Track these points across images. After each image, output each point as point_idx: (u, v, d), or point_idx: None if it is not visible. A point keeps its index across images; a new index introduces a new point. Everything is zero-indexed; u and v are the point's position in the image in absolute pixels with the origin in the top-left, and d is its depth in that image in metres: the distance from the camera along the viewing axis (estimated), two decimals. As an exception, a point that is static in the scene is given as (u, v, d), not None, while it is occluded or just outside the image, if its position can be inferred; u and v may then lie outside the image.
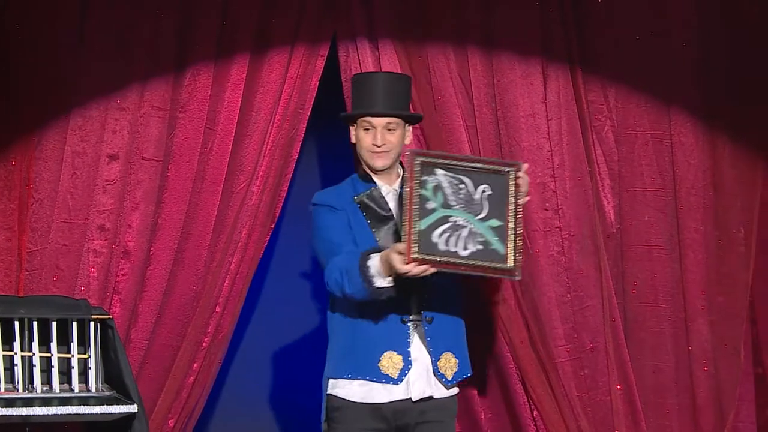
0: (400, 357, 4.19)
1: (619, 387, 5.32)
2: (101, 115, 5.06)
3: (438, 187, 4.01)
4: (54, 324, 4.57)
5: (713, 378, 5.37)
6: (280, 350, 5.80)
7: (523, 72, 5.30)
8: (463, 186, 4.03)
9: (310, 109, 5.21)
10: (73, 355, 4.60)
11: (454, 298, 4.38)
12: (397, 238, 4.22)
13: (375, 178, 4.37)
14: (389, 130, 4.31)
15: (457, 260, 3.98)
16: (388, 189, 4.37)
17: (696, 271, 5.37)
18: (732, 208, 5.40)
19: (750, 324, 5.45)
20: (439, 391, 4.29)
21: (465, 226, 4.00)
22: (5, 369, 4.57)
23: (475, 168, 4.04)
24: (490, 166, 4.05)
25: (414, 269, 3.93)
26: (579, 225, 5.32)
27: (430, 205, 3.99)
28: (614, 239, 5.40)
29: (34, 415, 4.36)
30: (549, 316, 5.27)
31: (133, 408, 4.45)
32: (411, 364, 4.21)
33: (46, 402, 4.44)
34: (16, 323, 4.54)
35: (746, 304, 5.40)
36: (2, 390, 4.54)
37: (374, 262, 4.03)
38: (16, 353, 4.55)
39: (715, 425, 5.37)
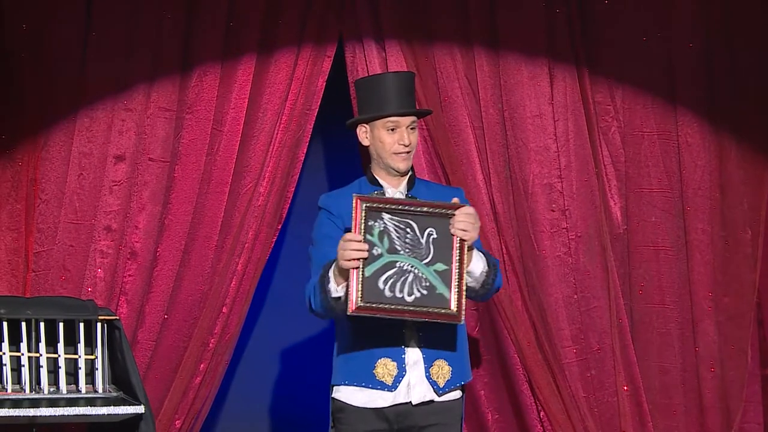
0: (395, 364, 4.15)
1: (625, 388, 5.32)
2: (108, 115, 5.07)
3: (384, 232, 3.99)
4: (61, 325, 4.57)
5: (720, 379, 5.37)
6: (287, 351, 5.80)
7: (530, 73, 5.29)
8: (409, 230, 4.01)
9: (317, 110, 5.22)
10: (80, 356, 4.60)
11: None
12: None
13: (382, 181, 4.29)
14: (411, 129, 4.25)
15: (402, 306, 3.97)
16: (393, 191, 4.29)
17: (703, 272, 5.36)
18: (739, 209, 5.39)
19: (757, 325, 5.44)
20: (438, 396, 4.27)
21: (410, 271, 3.99)
22: (12, 370, 4.57)
23: (421, 212, 4.01)
24: (435, 210, 4.02)
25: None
26: (586, 226, 5.32)
27: (376, 250, 3.97)
28: (621, 240, 5.39)
29: (40, 416, 4.37)
30: (556, 317, 5.26)
31: (139, 409, 4.45)
32: (406, 371, 4.17)
33: (53, 403, 4.45)
34: (23, 324, 4.54)
35: (753, 305, 5.39)
36: (9, 391, 4.55)
37: (332, 271, 4.02)
38: (23, 354, 4.55)
39: (722, 426, 5.36)
